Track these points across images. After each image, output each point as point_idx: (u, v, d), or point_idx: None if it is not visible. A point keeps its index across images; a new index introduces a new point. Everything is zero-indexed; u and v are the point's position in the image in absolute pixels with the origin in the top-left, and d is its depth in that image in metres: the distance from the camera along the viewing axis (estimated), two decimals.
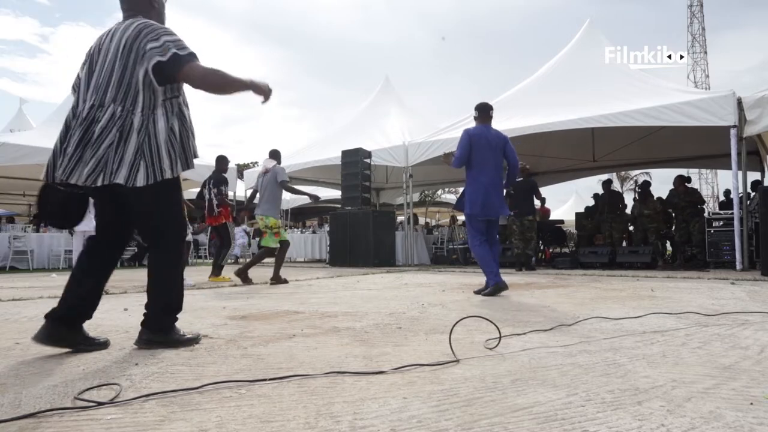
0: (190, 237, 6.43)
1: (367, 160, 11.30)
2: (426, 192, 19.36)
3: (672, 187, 10.05)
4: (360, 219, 10.85)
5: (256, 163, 55.55)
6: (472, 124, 10.45)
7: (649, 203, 9.99)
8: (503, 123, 10.18)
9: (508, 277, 6.64)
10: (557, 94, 10.32)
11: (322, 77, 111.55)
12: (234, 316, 3.71)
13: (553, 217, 25.38)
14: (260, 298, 4.96)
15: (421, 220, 20.77)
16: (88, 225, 9.76)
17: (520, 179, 9.93)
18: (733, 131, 7.88)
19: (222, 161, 7.71)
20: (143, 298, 2.54)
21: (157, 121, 2.35)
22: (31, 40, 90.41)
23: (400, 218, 14.81)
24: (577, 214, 13.21)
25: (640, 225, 10.08)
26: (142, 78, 2.31)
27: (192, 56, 2.37)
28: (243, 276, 6.73)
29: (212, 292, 5.57)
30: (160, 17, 2.59)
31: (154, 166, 2.31)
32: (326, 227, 13.88)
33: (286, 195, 18.39)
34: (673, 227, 10.80)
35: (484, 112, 5.25)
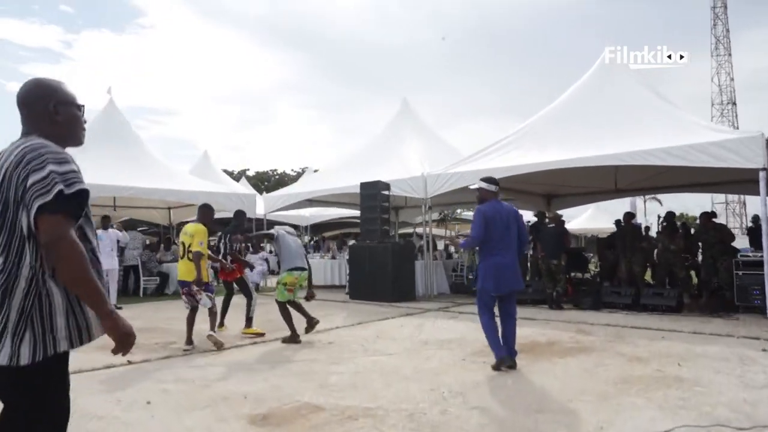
0: (207, 302, 6.34)
1: (386, 192, 11.27)
2: (446, 211, 19.23)
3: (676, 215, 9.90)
4: (379, 252, 10.82)
5: (275, 170, 56.11)
6: (489, 158, 10.59)
7: (675, 239, 9.77)
8: (521, 158, 10.11)
9: (530, 327, 6.56)
10: (577, 126, 10.15)
11: (338, 79, 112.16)
12: (255, 417, 3.69)
13: (571, 226, 25.25)
14: (282, 373, 4.95)
15: (441, 244, 20.67)
16: (111, 263, 9.95)
17: (551, 225, 9.96)
18: (762, 174, 7.67)
19: (240, 216, 7.78)
20: None
21: (47, 282, 1.78)
22: (56, 47, 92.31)
23: (420, 244, 14.76)
24: (599, 242, 13.06)
25: (664, 261, 9.88)
26: (26, 227, 1.75)
27: (74, 207, 1.78)
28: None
29: (236, 363, 5.56)
30: (69, 133, 1.98)
31: (45, 338, 1.76)
32: (346, 252, 13.87)
33: (305, 212, 18.23)
34: (700, 258, 10.59)
35: (492, 187, 5.19)
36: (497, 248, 4.97)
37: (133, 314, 9.22)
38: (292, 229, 7.29)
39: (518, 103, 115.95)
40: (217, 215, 14.86)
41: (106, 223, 10.50)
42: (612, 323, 7.52)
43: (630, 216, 11.00)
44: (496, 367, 4.90)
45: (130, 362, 5.38)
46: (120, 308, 9.87)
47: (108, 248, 9.79)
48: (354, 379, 4.72)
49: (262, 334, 6.97)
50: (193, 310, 6.33)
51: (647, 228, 15.37)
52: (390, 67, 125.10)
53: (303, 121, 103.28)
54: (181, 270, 6.39)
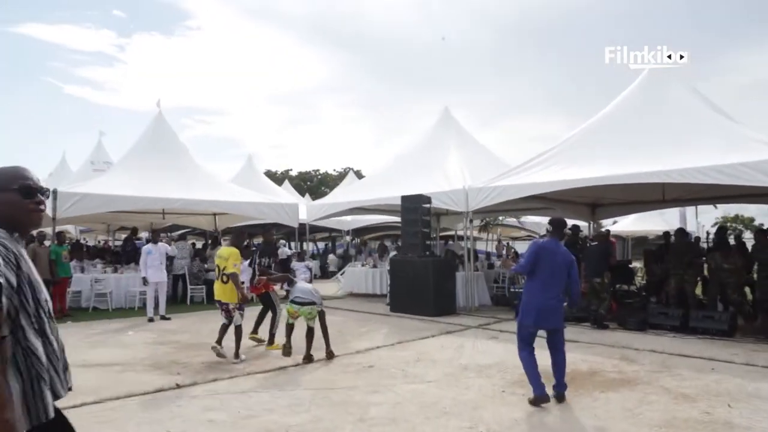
0: (238, 319, 6.91)
1: (427, 206, 11.27)
2: (487, 219, 19.05)
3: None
4: (420, 267, 10.84)
5: (317, 170, 56.76)
6: (532, 171, 10.42)
7: (729, 257, 9.39)
8: (564, 172, 9.92)
9: (573, 351, 6.36)
10: (623, 139, 9.87)
11: (381, 77, 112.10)
12: None
13: (617, 228, 24.52)
14: (323, 402, 5.04)
15: (482, 246, 20.48)
16: (160, 276, 10.33)
17: (595, 243, 9.76)
18: None
19: (268, 233, 8.59)
20: None
21: None
22: (109, 51, 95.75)
23: (461, 252, 14.67)
24: (647, 254, 12.67)
25: (716, 279, 9.53)
26: None
27: None
28: (330, 355, 6.97)
29: (280, 389, 5.70)
30: (3, 218, 1.84)
31: None
32: (387, 261, 13.94)
33: (346, 217, 18.35)
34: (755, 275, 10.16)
35: (558, 228, 5.16)
36: (543, 286, 4.95)
37: (180, 326, 9.58)
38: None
39: (562, 100, 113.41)
40: (259, 222, 15.32)
41: (155, 237, 10.91)
42: (658, 349, 7.31)
43: (682, 233, 10.64)
44: (533, 403, 4.88)
45: (178, 385, 5.59)
46: (168, 318, 10.26)
47: (157, 261, 10.17)
48: (393, 412, 4.77)
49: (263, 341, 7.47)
50: (228, 324, 6.97)
51: (698, 239, 14.81)
52: (432, 65, 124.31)
53: (346, 120, 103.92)
54: (217, 290, 6.99)
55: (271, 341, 7.69)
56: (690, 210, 19.53)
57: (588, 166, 9.72)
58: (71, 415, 4.59)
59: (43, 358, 1.77)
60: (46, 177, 20.65)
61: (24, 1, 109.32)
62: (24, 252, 1.83)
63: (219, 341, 6.84)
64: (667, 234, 12.18)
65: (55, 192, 10.79)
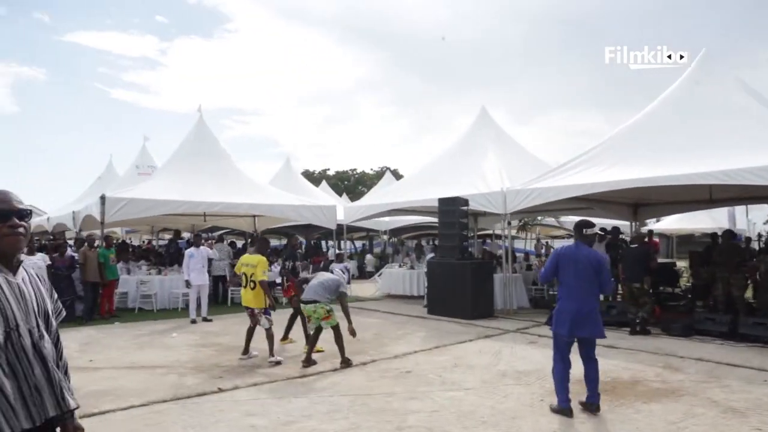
0: (265, 323, 7.12)
1: (464, 208, 11.21)
2: (526, 219, 18.81)
3: None
4: (458, 270, 10.80)
5: (354, 169, 57.04)
6: (572, 172, 10.21)
7: None
8: (604, 174, 9.69)
9: (613, 358, 6.29)
10: (667, 138, 9.57)
11: (417, 74, 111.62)
12: None
13: (660, 226, 23.69)
14: (361, 409, 5.08)
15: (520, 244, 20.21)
16: (202, 279, 10.59)
17: (634, 245, 9.47)
18: None
19: (293, 238, 8.91)
20: None
21: None
22: (152, 55, 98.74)
23: (499, 252, 14.55)
24: (693, 256, 12.28)
25: (767, 284, 9.17)
26: None
27: None
28: (344, 360, 6.82)
29: (318, 395, 5.78)
30: None
31: None
32: (424, 263, 13.92)
33: (384, 218, 18.40)
34: None
35: (578, 231, 5.06)
36: (569, 293, 4.87)
37: (222, 328, 9.80)
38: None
39: (599, 94, 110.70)
40: (297, 224, 15.69)
41: (197, 241, 11.16)
42: (705, 357, 7.08)
43: (730, 234, 10.26)
44: (555, 411, 4.86)
45: (220, 389, 5.74)
46: (210, 320, 10.50)
47: (199, 265, 10.44)
48: (431, 420, 4.78)
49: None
50: (253, 328, 7.28)
51: (748, 239, 14.26)
52: (467, 61, 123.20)
53: (382, 118, 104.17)
54: (245, 297, 7.24)
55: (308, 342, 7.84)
56: (740, 208, 18.80)
57: (630, 167, 9.47)
58: (121, 417, 4.78)
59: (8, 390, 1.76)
60: (94, 181, 21.45)
61: (73, 10, 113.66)
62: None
63: (245, 350, 7.18)
64: (714, 235, 11.78)
65: (103, 198, 11.21)
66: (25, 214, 1.96)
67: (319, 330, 6.91)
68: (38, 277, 2.05)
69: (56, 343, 2.03)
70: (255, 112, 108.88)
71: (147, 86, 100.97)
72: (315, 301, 6.72)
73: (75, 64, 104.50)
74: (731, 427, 4.53)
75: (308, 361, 6.79)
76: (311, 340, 6.96)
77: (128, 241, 28.26)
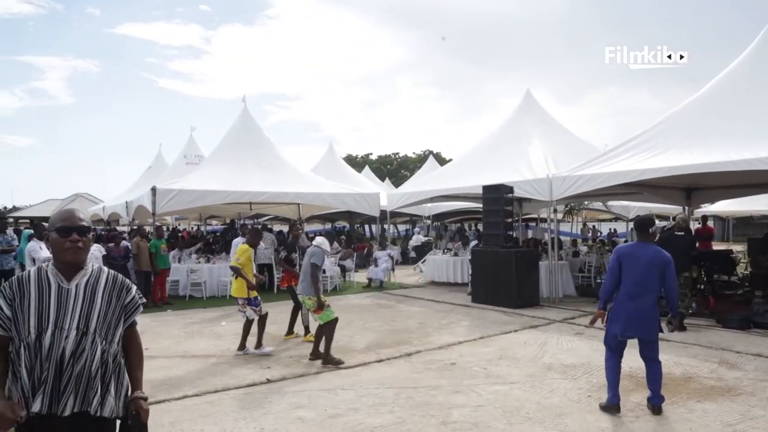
0: (251, 314, 7.22)
1: (509, 195, 11.04)
2: (572, 204, 18.39)
3: None
4: (502, 258, 10.67)
5: (397, 153, 56.91)
6: (620, 158, 9.86)
7: None
8: (655, 160, 9.33)
9: (665, 352, 5.97)
10: (724, 121, 9.12)
11: (458, 55, 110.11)
12: None
13: (716, 208, 22.54)
14: (406, 403, 5.13)
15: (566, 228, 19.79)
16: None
17: (680, 233, 9.04)
18: None
19: (294, 228, 9.88)
20: None
21: None
22: (197, 44, 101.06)
23: (544, 239, 14.30)
24: (752, 243, 11.75)
25: None
26: None
27: None
28: (326, 359, 6.51)
29: (363, 387, 5.86)
30: (54, 254, 2.29)
31: None
32: (468, 250, 13.84)
33: (427, 204, 18.17)
34: None
35: (639, 229, 4.90)
36: (629, 293, 4.72)
37: (269, 317, 10.00)
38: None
39: (644, 71, 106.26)
40: (340, 211, 15.94)
41: (244, 231, 11.46)
42: (764, 353, 6.79)
43: None
44: (603, 409, 4.79)
45: (269, 380, 5.90)
46: None
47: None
48: (475, 415, 4.79)
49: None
50: (248, 322, 7.23)
51: None
52: (510, 40, 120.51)
53: (424, 99, 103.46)
54: (233, 287, 7.39)
55: (307, 332, 7.94)
56: None
57: (684, 152, 9.07)
58: (176, 407, 4.96)
59: (26, 379, 2.09)
60: (145, 170, 22.18)
61: (122, 3, 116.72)
62: (51, 284, 2.18)
63: (241, 346, 7.13)
64: None
65: (154, 189, 11.58)
66: (86, 230, 2.26)
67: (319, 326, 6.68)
68: (108, 280, 2.31)
69: (103, 340, 2.22)
70: (297, 97, 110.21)
71: (191, 74, 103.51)
72: (304, 293, 6.66)
73: (124, 55, 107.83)
74: None
75: (315, 354, 6.63)
76: (317, 334, 6.73)
77: (178, 227, 29.21)
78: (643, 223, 4.93)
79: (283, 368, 6.41)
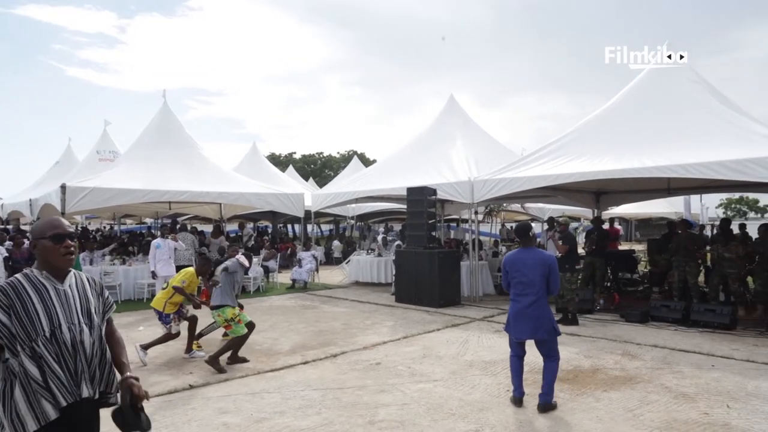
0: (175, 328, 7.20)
1: (432, 197, 11.35)
2: (492, 206, 19.12)
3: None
4: (425, 259, 10.95)
5: (321, 153, 56.64)
6: (537, 164, 10.42)
7: (730, 246, 9.49)
8: (569, 165, 9.95)
9: (576, 345, 6.51)
10: (629, 132, 9.88)
11: (382, 55, 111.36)
12: None
13: (620, 210, 24.31)
14: (333, 404, 5.18)
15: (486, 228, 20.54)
16: (169, 270, 10.49)
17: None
18: None
19: (230, 248, 9.44)
20: None
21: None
22: (110, 32, 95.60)
23: (465, 240, 14.77)
24: (650, 244, 12.76)
25: (719, 269, 9.62)
26: None
27: None
28: (212, 360, 6.40)
29: (290, 389, 5.86)
30: (43, 261, 2.43)
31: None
32: (392, 251, 14.07)
33: (352, 204, 18.04)
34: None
35: (520, 235, 5.26)
36: (519, 294, 5.05)
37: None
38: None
39: (564, 79, 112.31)
40: (263, 210, 15.59)
41: (164, 232, 11.07)
42: (660, 344, 7.44)
43: (686, 224, 10.65)
44: (512, 402, 5.12)
45: (191, 386, 5.75)
46: None
47: (166, 255, 10.45)
48: (401, 413, 4.92)
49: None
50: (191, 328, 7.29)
51: (702, 227, 14.86)
52: (436, 43, 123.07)
53: (350, 99, 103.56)
54: (155, 297, 7.46)
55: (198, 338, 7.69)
56: (695, 200, 19.56)
57: (594, 158, 9.75)
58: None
59: (39, 378, 2.22)
60: (52, 166, 20.75)
61: None
62: (48, 287, 2.35)
63: (188, 348, 7.19)
64: (671, 223, 12.27)
65: (63, 187, 10.90)
66: (75, 236, 2.53)
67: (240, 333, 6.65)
68: (88, 280, 2.56)
69: (101, 331, 2.51)
70: (219, 93, 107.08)
71: (105, 65, 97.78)
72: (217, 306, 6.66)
73: (27, 40, 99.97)
74: (682, 412, 4.82)
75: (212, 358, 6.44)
76: (227, 344, 6.68)
77: (88, 226, 27.56)
78: (522, 229, 5.24)
79: (206, 374, 6.26)
